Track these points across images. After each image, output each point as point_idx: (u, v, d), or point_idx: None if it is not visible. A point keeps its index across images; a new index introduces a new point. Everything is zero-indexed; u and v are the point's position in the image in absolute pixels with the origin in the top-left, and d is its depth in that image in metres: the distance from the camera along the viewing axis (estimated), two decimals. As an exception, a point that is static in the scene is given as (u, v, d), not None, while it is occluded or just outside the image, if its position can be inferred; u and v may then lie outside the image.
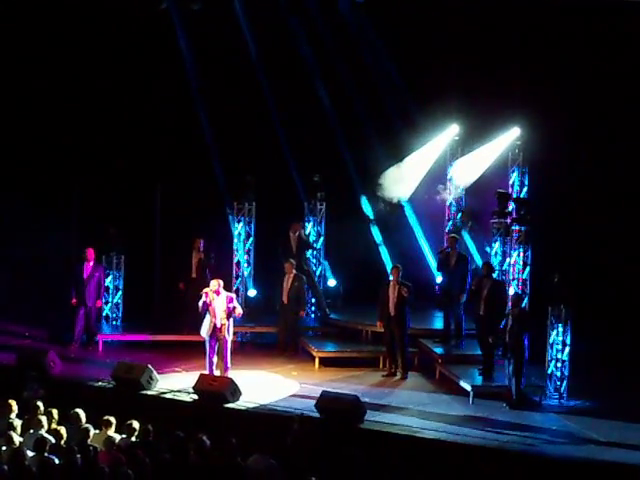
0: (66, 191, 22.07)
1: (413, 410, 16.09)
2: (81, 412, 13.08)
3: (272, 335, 20.09)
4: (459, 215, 21.36)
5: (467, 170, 20.91)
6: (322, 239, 21.24)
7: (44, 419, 12.82)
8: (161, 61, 21.81)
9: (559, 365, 16.50)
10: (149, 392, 16.71)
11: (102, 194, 21.67)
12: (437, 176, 21.28)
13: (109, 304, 20.53)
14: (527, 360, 16.39)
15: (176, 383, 17.18)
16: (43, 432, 12.55)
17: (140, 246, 21.38)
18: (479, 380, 17.09)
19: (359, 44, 22.02)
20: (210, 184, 21.66)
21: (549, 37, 20.54)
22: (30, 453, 11.93)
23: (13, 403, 13.35)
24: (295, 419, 14.20)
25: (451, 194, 21.51)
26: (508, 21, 20.66)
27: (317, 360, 18.72)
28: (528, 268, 18.74)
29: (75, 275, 19.67)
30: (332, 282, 21.44)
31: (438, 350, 18.47)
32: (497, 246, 19.39)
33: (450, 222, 21.48)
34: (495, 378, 17.08)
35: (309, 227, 21.15)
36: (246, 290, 20.79)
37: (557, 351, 16.51)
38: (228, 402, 16.08)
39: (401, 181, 20.82)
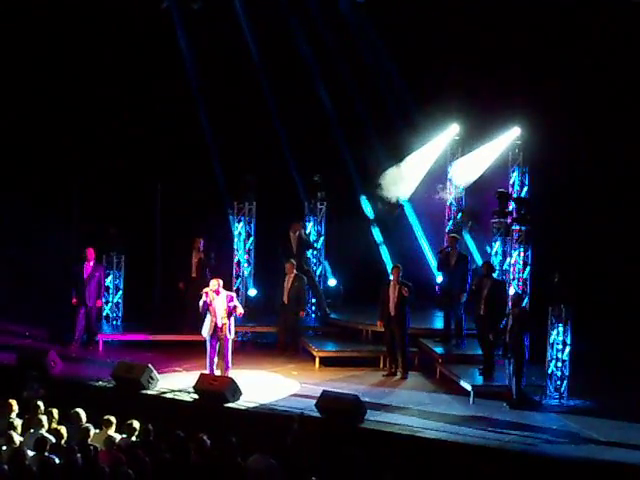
0: (66, 191, 22.08)
1: (413, 410, 16.10)
2: (81, 412, 13.08)
3: (272, 335, 20.09)
4: (459, 215, 21.36)
5: (467, 170, 20.92)
6: (322, 239, 21.24)
7: (44, 419, 12.82)
8: (161, 60, 21.82)
9: (559, 365, 16.50)
10: (149, 392, 16.71)
11: (102, 194, 21.68)
12: (437, 176, 21.29)
13: (109, 304, 20.53)
14: (527, 360, 16.41)
15: (176, 383, 17.19)
16: (43, 432, 12.56)
17: (140, 246, 21.39)
18: (479, 380, 17.09)
19: (359, 44, 22.03)
20: (210, 184, 21.68)
21: (549, 37, 20.53)
22: (30, 453, 11.94)
23: (14, 403, 13.36)
24: (295, 419, 14.20)
25: (451, 194, 21.52)
26: (508, 21, 20.66)
27: (317, 360, 18.72)
28: (528, 268, 18.73)
29: (75, 275, 19.67)
30: (332, 282, 21.45)
31: (438, 350, 18.47)
32: (497, 246, 19.39)
33: (450, 222, 21.48)
34: (495, 378, 17.08)
35: (309, 227, 21.16)
36: (246, 290, 20.80)
37: (557, 351, 16.51)
38: (228, 402, 16.08)
39: (401, 181, 20.83)
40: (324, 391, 15.86)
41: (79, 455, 11.67)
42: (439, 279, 20.25)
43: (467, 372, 17.33)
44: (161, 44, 21.81)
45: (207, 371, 17.07)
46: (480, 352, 17.61)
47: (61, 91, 21.90)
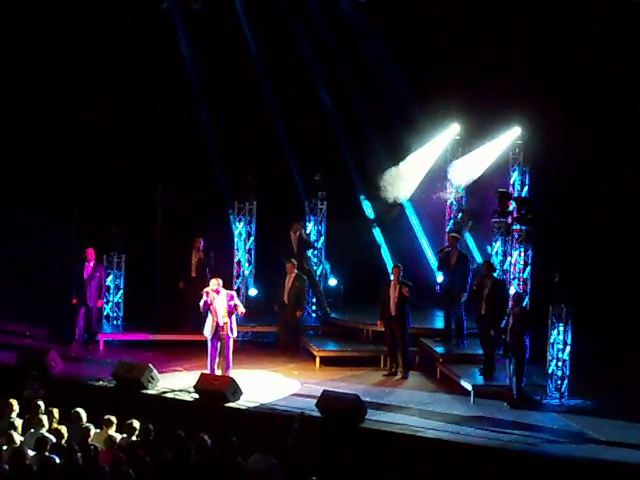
0: (66, 191, 22.07)
1: (414, 409, 16.11)
2: (82, 411, 13.09)
3: (273, 334, 20.09)
4: (460, 215, 21.36)
5: (468, 169, 20.92)
6: (323, 238, 21.24)
7: (45, 418, 12.83)
8: (162, 61, 21.80)
9: (560, 364, 16.49)
10: (150, 391, 16.71)
11: (103, 194, 21.67)
12: (438, 175, 21.29)
13: (110, 303, 20.53)
14: (528, 359, 16.40)
15: (177, 382, 17.19)
16: (44, 431, 12.56)
17: (141, 245, 21.37)
18: (480, 379, 17.09)
19: (360, 44, 22.01)
20: (211, 184, 21.67)
21: (549, 37, 20.53)
22: (31, 452, 11.93)
23: (14, 402, 13.34)
24: (296, 418, 14.20)
25: (451, 193, 21.52)
26: (508, 21, 20.65)
27: (318, 359, 18.72)
28: (529, 267, 18.75)
29: (76, 275, 19.66)
30: (333, 281, 21.44)
31: (439, 349, 18.46)
32: (498, 245, 19.41)
33: (451, 221, 21.48)
34: (496, 377, 17.08)
35: (310, 226, 21.15)
36: (247, 289, 20.80)
37: (558, 350, 16.50)
38: (229, 401, 16.09)
39: (401, 181, 20.82)
40: (325, 391, 15.86)
41: (80, 455, 11.66)
42: (439, 279, 20.25)
43: (468, 372, 17.33)
44: (161, 44, 21.79)
45: (208, 371, 17.06)
46: (480, 352, 17.61)
47: (61, 91, 21.89)
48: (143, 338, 19.71)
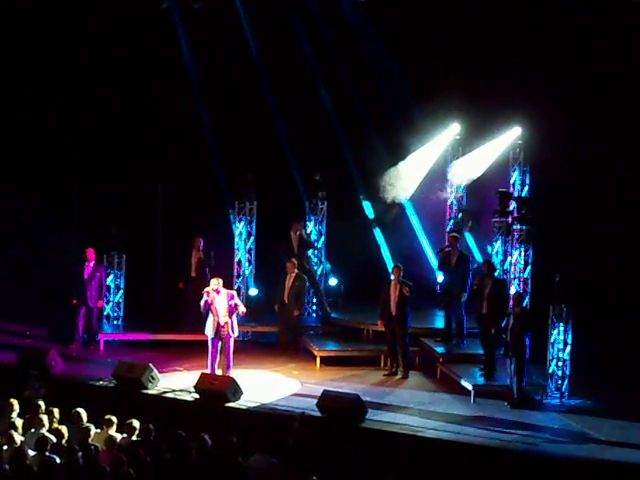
0: (66, 191, 22.07)
1: (414, 409, 16.11)
2: (82, 411, 13.09)
3: (273, 334, 20.09)
4: (460, 214, 21.35)
5: (468, 169, 20.91)
6: (323, 238, 21.24)
7: (45, 418, 12.82)
8: (162, 60, 21.80)
9: (560, 364, 16.50)
10: (150, 391, 16.72)
11: (103, 193, 21.67)
12: (438, 175, 21.29)
13: (110, 303, 20.52)
14: (528, 359, 16.38)
15: (177, 382, 17.19)
16: (44, 431, 12.55)
17: (141, 245, 21.38)
18: (480, 379, 17.08)
19: (360, 43, 22.01)
20: (211, 183, 21.66)
21: (549, 36, 20.52)
22: (31, 452, 11.93)
23: (14, 402, 13.34)
24: (296, 418, 14.21)
25: (452, 193, 21.51)
26: (508, 21, 20.64)
27: (318, 359, 18.72)
28: (529, 267, 18.77)
29: (76, 275, 19.66)
30: (333, 281, 21.43)
31: (439, 349, 18.46)
32: (498, 245, 19.42)
33: (451, 221, 21.47)
34: (496, 377, 17.08)
35: (310, 226, 21.15)
36: (247, 289, 20.79)
37: (558, 350, 16.51)
38: (229, 401, 16.08)
39: (402, 180, 20.82)
40: (325, 390, 15.86)
41: (80, 455, 11.65)
42: (440, 278, 20.24)
43: (468, 371, 17.33)
44: (161, 44, 21.79)
45: (208, 370, 17.06)
46: (481, 352, 17.60)
47: (61, 91, 21.89)
48: (143, 338, 19.71)
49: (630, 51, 20.12)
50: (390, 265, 20.58)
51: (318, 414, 15.48)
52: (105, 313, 20.43)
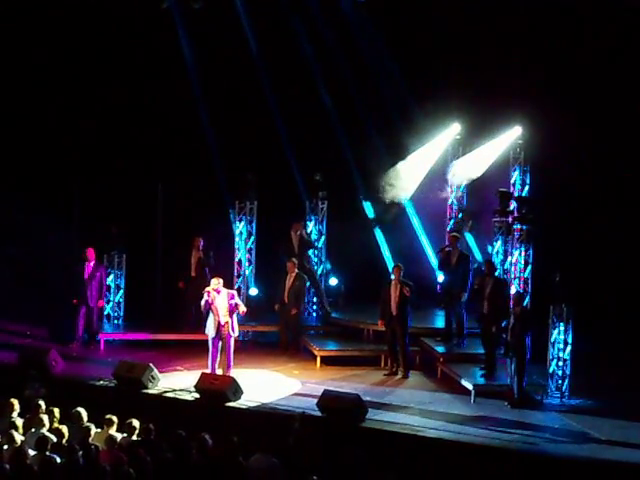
0: (67, 191, 22.07)
1: (415, 409, 16.10)
2: (83, 411, 13.08)
3: (274, 334, 20.09)
4: (460, 214, 21.35)
5: (468, 169, 20.91)
6: (323, 238, 21.24)
7: (46, 418, 12.82)
8: (162, 60, 21.80)
9: (561, 364, 16.49)
10: (151, 391, 16.71)
11: (103, 193, 21.67)
12: (439, 175, 21.28)
13: (111, 303, 20.52)
14: (529, 359, 16.37)
15: (177, 382, 17.18)
16: (45, 431, 12.55)
17: (142, 245, 21.37)
18: (481, 379, 17.07)
19: (360, 43, 22.02)
20: (211, 183, 21.67)
21: (550, 36, 20.52)
22: (32, 452, 11.93)
23: (15, 402, 13.34)
24: (297, 418, 14.21)
25: (452, 193, 21.51)
26: (508, 21, 20.65)
27: (319, 359, 18.72)
28: (529, 267, 18.77)
29: (76, 275, 19.66)
30: (334, 281, 21.43)
31: (440, 349, 18.45)
32: (499, 245, 19.43)
33: (452, 221, 21.47)
34: (497, 377, 17.07)
35: (310, 226, 21.15)
36: (247, 289, 20.79)
37: (559, 350, 16.50)
38: (229, 401, 16.08)
39: (402, 180, 20.81)
40: (325, 390, 15.86)
41: (80, 454, 11.65)
42: (440, 278, 20.24)
43: (468, 371, 17.33)
44: (162, 44, 21.79)
45: (208, 370, 17.05)
46: (481, 351, 17.60)
47: (61, 91, 21.88)
48: (144, 338, 19.71)
49: (630, 51, 20.11)
50: (390, 265, 20.57)
51: (318, 414, 15.47)
52: (105, 313, 20.42)
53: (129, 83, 21.92)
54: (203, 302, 17.09)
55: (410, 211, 22.03)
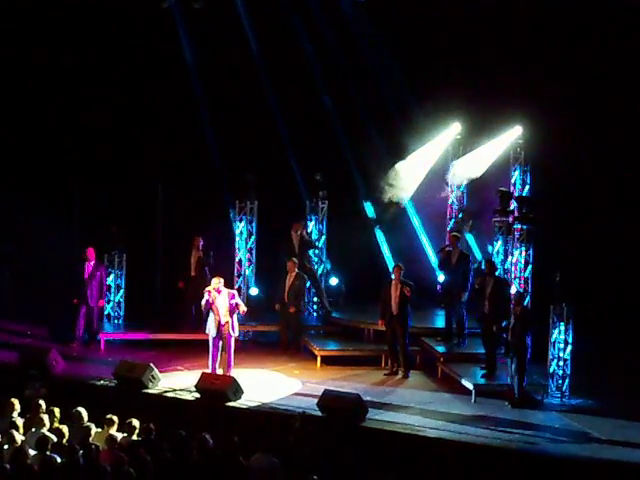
0: (66, 191, 22.07)
1: (415, 409, 16.10)
2: (83, 411, 13.08)
3: (274, 334, 20.08)
4: (460, 214, 21.35)
5: (469, 168, 20.90)
6: (324, 238, 21.24)
7: (46, 418, 12.82)
8: (162, 60, 21.80)
9: (561, 364, 16.49)
10: (151, 391, 16.70)
11: (103, 193, 21.67)
12: (439, 175, 21.27)
13: (111, 302, 20.51)
14: (529, 359, 16.37)
15: (178, 382, 17.18)
16: (45, 431, 12.55)
17: (142, 245, 21.38)
18: (481, 379, 17.06)
19: (360, 43, 22.02)
20: (211, 183, 21.67)
21: (550, 36, 20.52)
22: (32, 452, 11.92)
23: (15, 402, 13.36)
24: (297, 418, 14.20)
25: (452, 193, 21.51)
26: (508, 21, 20.65)
27: (319, 359, 18.71)
28: (530, 267, 18.77)
29: (76, 274, 19.65)
30: (334, 281, 21.43)
31: (440, 349, 18.45)
32: (499, 245, 19.43)
33: (452, 221, 21.47)
34: (497, 377, 17.07)
35: (311, 226, 21.14)
36: (248, 289, 20.79)
37: (559, 349, 16.50)
38: (230, 401, 16.08)
39: (403, 180, 20.81)
40: (326, 390, 15.86)
41: (81, 454, 11.65)
42: (440, 278, 20.24)
43: (469, 371, 17.32)
44: (162, 43, 21.79)
45: (209, 370, 17.05)
46: (481, 351, 17.59)
47: (61, 91, 21.89)
48: (144, 337, 19.69)
49: (630, 51, 20.11)
50: (391, 265, 20.57)
51: (319, 413, 15.47)
52: (106, 312, 20.41)
53: (129, 83, 21.92)
54: (204, 302, 17.08)
55: (410, 211, 22.02)
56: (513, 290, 18.24)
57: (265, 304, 20.62)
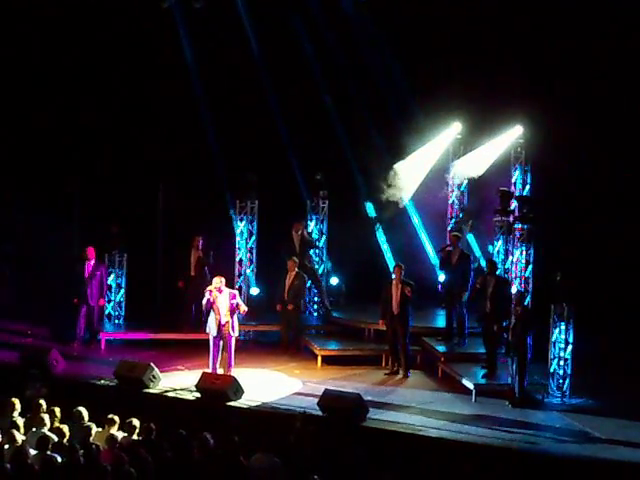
0: (66, 191, 22.06)
1: (415, 408, 16.10)
2: (84, 410, 13.09)
3: (274, 333, 20.08)
4: (461, 214, 21.35)
5: (469, 168, 20.90)
6: (324, 237, 21.24)
7: (47, 417, 12.81)
8: (163, 60, 21.80)
9: (562, 363, 16.48)
10: (152, 390, 16.71)
11: (103, 194, 21.67)
12: (439, 174, 21.27)
13: (111, 302, 20.50)
14: (530, 358, 16.37)
15: (178, 381, 17.18)
16: (46, 430, 12.54)
17: (142, 244, 21.37)
18: (482, 378, 17.06)
19: (361, 43, 22.02)
20: (212, 183, 21.67)
21: (550, 35, 20.52)
22: (33, 451, 11.93)
23: (16, 401, 13.35)
24: (298, 417, 14.21)
25: (453, 192, 21.51)
26: (508, 21, 20.65)
27: (320, 358, 18.71)
28: (530, 266, 18.77)
29: (76, 274, 19.65)
30: (335, 280, 21.43)
31: (440, 348, 18.45)
32: (500, 244, 19.42)
33: (453, 220, 21.47)
34: (498, 376, 17.07)
35: (311, 225, 21.14)
36: (248, 288, 20.79)
37: (560, 349, 16.50)
38: (230, 400, 16.08)
39: (403, 180, 20.81)
40: (326, 390, 15.86)
41: (81, 454, 11.64)
42: (441, 277, 20.23)
43: (469, 370, 17.32)
44: (163, 43, 21.79)
45: (209, 370, 17.05)
46: (482, 350, 17.59)
47: (61, 91, 21.88)
48: (145, 337, 19.70)
49: (630, 51, 20.11)
50: (391, 264, 20.57)
51: (319, 413, 15.47)
52: (106, 312, 20.41)
53: (129, 82, 21.92)
54: (205, 301, 17.07)
55: (411, 210, 22.02)
56: (514, 290, 18.25)
57: (266, 304, 20.62)
